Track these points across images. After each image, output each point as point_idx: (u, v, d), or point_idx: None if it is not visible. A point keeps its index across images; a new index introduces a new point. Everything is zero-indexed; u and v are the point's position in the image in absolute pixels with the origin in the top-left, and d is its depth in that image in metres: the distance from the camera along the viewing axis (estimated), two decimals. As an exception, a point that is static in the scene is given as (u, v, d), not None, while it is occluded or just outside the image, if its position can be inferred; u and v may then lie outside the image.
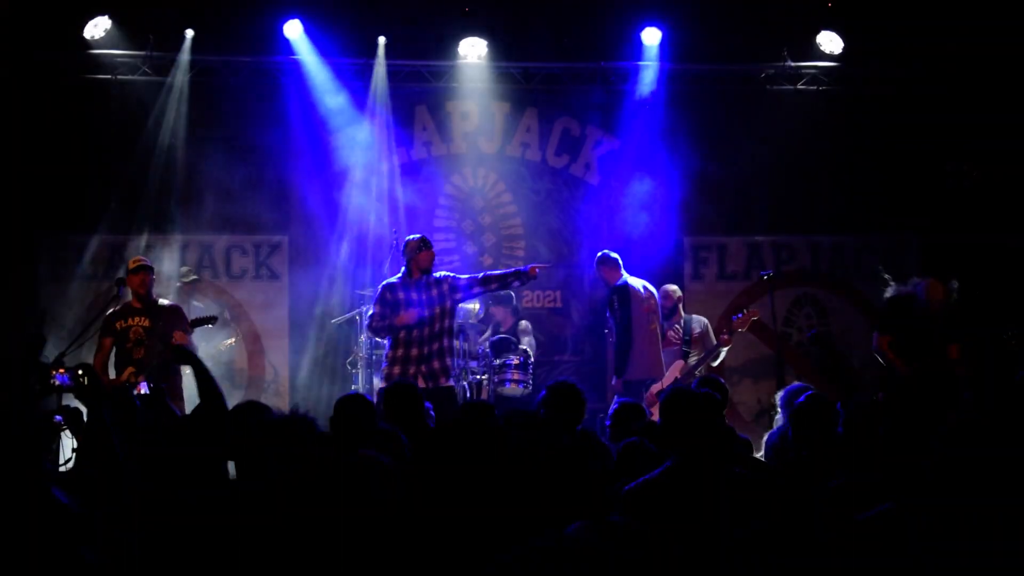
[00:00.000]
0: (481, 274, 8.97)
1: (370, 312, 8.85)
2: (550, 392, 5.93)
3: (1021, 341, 8.79)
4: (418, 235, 8.91)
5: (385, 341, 8.86)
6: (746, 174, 12.13)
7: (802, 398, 5.39)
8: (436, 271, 8.83)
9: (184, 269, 11.05)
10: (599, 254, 10.06)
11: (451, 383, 8.64)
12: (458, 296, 8.78)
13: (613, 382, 10.11)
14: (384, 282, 8.86)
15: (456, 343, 9.26)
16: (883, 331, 8.72)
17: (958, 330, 8.89)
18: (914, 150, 11.69)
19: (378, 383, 8.98)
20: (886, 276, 9.03)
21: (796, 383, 6.47)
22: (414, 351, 8.56)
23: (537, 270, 8.86)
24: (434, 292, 8.65)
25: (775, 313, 9.86)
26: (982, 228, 11.17)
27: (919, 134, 11.66)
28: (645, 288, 9.84)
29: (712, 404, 4.28)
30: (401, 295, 8.63)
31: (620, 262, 9.91)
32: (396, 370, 8.53)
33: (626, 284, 9.72)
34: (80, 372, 6.70)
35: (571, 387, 5.98)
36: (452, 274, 8.90)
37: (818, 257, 11.83)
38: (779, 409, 6.25)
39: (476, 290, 8.88)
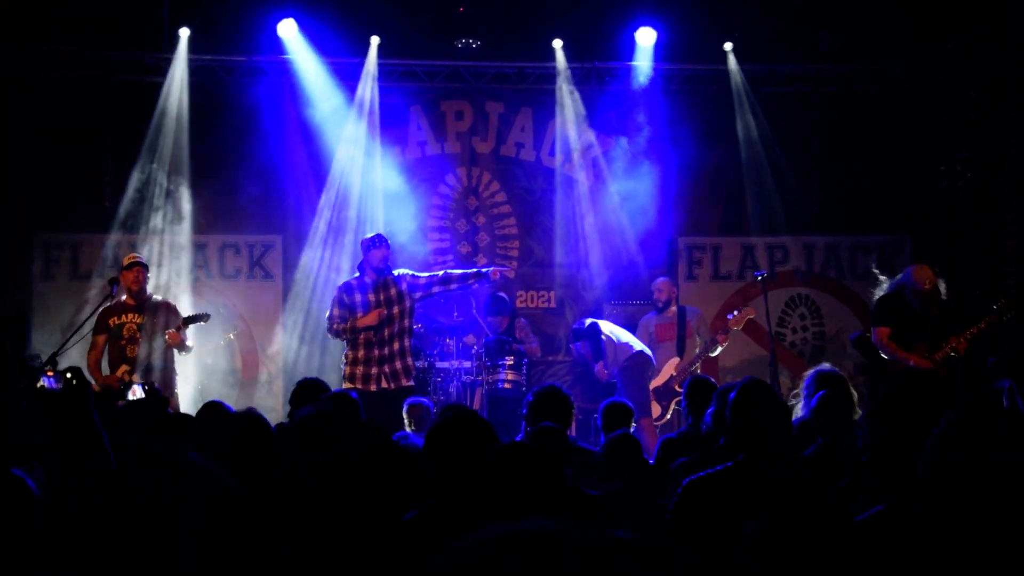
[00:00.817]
0: (442, 272, 8.82)
1: (327, 314, 8.70)
2: (536, 398, 5.95)
3: (1011, 312, 8.74)
4: (373, 233, 8.83)
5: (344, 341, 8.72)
6: (740, 174, 12.16)
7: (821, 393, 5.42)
8: (393, 268, 8.70)
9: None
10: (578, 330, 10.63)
11: (411, 383, 8.54)
12: (417, 295, 8.64)
13: (595, 368, 10.26)
14: (340, 283, 8.80)
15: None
16: (880, 323, 8.68)
17: (953, 317, 8.87)
18: (907, 150, 11.73)
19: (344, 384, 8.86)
20: (882, 278, 9.01)
21: (825, 366, 6.40)
22: (375, 352, 8.44)
23: (499, 274, 8.75)
24: (392, 292, 8.54)
25: (769, 313, 9.86)
26: (975, 228, 11.21)
27: (912, 134, 11.71)
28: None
29: (783, 405, 4.19)
30: (357, 296, 8.52)
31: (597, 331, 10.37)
32: (359, 370, 8.43)
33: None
34: (69, 375, 6.68)
35: (555, 391, 6.00)
36: (411, 272, 8.78)
37: (812, 258, 11.84)
38: (803, 393, 6.21)
39: (436, 289, 8.73)
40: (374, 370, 8.43)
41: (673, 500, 3.94)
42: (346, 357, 8.59)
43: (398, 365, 8.45)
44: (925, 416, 2.77)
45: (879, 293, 8.99)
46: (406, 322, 8.56)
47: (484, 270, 8.76)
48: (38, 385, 6.67)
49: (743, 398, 4.01)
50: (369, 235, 8.78)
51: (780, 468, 3.98)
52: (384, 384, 8.34)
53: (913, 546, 2.54)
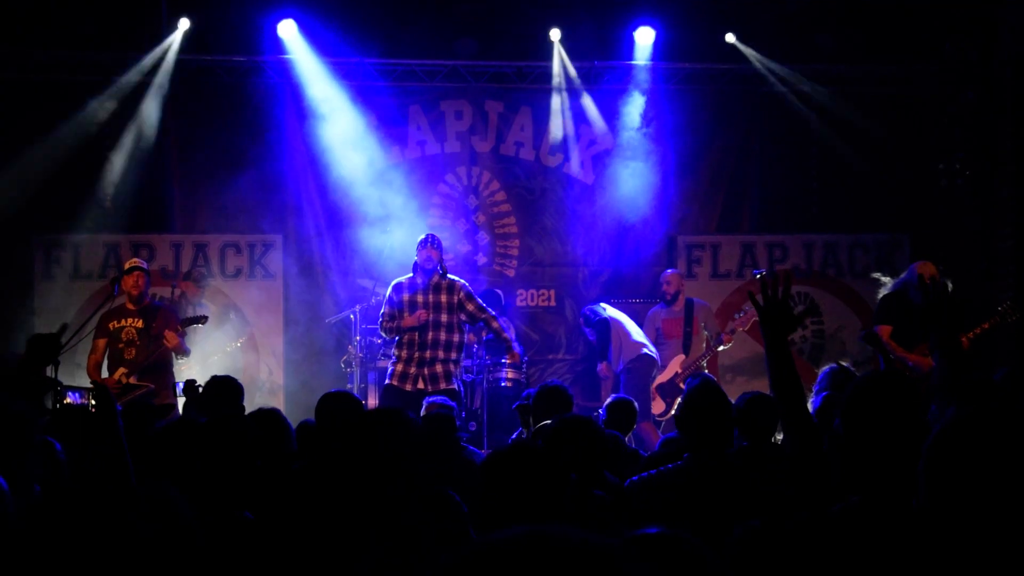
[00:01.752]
0: (488, 318, 8.73)
1: (381, 311, 8.80)
2: (539, 396, 6.03)
3: (1016, 315, 8.76)
4: (426, 233, 8.88)
5: (393, 339, 8.87)
6: (739, 172, 12.22)
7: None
8: (450, 276, 8.73)
9: (200, 270, 10.99)
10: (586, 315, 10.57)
11: (452, 386, 8.52)
12: (463, 316, 8.65)
13: (598, 367, 10.31)
14: (393, 281, 8.85)
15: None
16: (882, 321, 8.70)
17: (957, 316, 8.88)
18: (905, 150, 11.77)
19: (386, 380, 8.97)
20: (884, 279, 9.02)
21: (834, 365, 6.38)
22: (417, 353, 8.53)
23: (517, 358, 9.15)
24: (443, 298, 8.59)
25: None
26: (973, 227, 11.26)
27: (910, 134, 11.75)
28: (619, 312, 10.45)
29: (729, 406, 4.24)
30: (406, 296, 8.61)
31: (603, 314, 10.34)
32: (399, 368, 8.55)
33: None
34: (93, 392, 6.73)
35: (558, 388, 6.09)
36: (469, 291, 8.75)
37: (811, 256, 11.88)
38: (814, 389, 6.21)
39: (478, 324, 8.89)
40: (413, 370, 8.51)
41: (620, 499, 4.02)
42: (394, 354, 8.72)
43: (439, 369, 8.50)
44: (884, 417, 2.79)
45: (883, 292, 9.02)
46: (455, 332, 8.59)
47: (515, 347, 9.00)
48: (65, 401, 6.70)
49: (691, 399, 4.09)
50: (422, 236, 8.82)
51: (727, 468, 4.05)
52: (421, 385, 8.40)
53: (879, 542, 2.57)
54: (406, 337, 8.56)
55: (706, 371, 9.97)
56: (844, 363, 6.46)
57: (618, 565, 1.23)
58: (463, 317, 8.64)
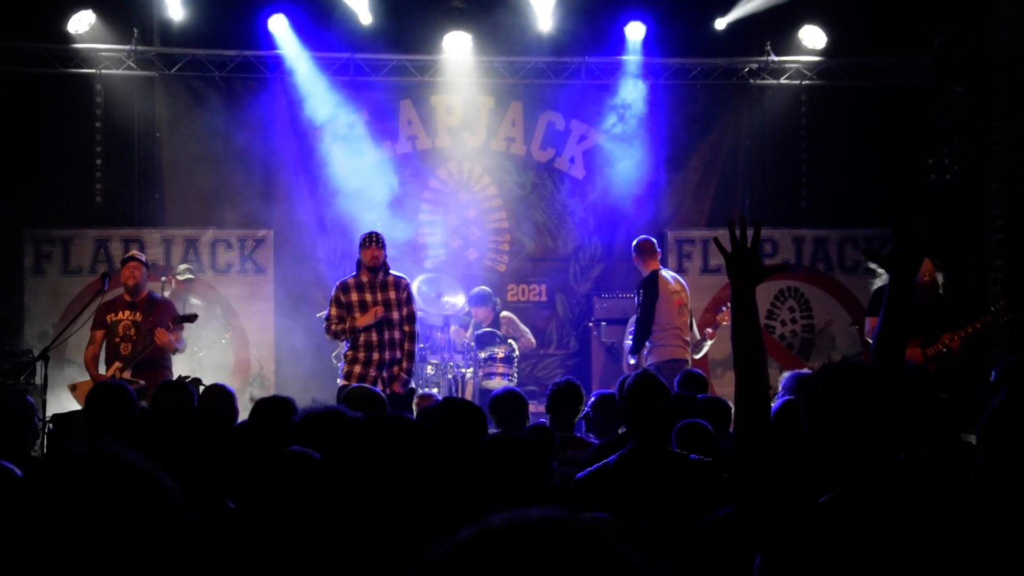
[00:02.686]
0: (407, 331, 8.48)
1: (324, 314, 8.64)
2: (555, 393, 6.14)
3: (1009, 315, 8.80)
4: (367, 232, 8.65)
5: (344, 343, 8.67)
6: (729, 167, 12.25)
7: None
8: (394, 272, 8.59)
9: (182, 267, 10.98)
10: (637, 240, 9.80)
11: (409, 389, 8.47)
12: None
13: (632, 360, 10.07)
14: (338, 281, 8.65)
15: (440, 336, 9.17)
16: (874, 313, 8.71)
17: (949, 312, 8.93)
18: (895, 144, 11.80)
19: (339, 380, 8.84)
20: (879, 270, 9.03)
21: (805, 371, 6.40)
22: (375, 355, 8.37)
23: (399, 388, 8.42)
24: (391, 295, 8.43)
25: (758, 306, 9.90)
26: (963, 222, 11.28)
27: (900, 128, 11.78)
28: (675, 280, 9.66)
29: (665, 392, 4.27)
30: (354, 295, 8.42)
31: (655, 248, 9.68)
32: (356, 369, 8.36)
33: (656, 275, 9.45)
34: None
35: (572, 385, 6.20)
36: (411, 294, 8.63)
37: (801, 250, 11.90)
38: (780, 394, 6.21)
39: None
40: (372, 372, 8.36)
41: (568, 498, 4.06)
42: (345, 356, 8.54)
43: (396, 370, 8.39)
44: (849, 408, 2.76)
45: (877, 283, 9.04)
46: (407, 327, 8.46)
47: (400, 363, 8.43)
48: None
49: (632, 391, 4.14)
50: (364, 234, 8.64)
51: (667, 459, 4.11)
52: (380, 387, 8.31)
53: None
54: (361, 338, 8.36)
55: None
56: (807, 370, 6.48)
57: (615, 546, 1.23)
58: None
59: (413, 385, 8.72)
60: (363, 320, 8.33)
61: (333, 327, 8.48)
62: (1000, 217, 10.89)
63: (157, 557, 1.51)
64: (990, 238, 11.03)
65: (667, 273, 9.64)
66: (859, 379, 2.71)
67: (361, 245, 8.49)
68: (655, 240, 9.88)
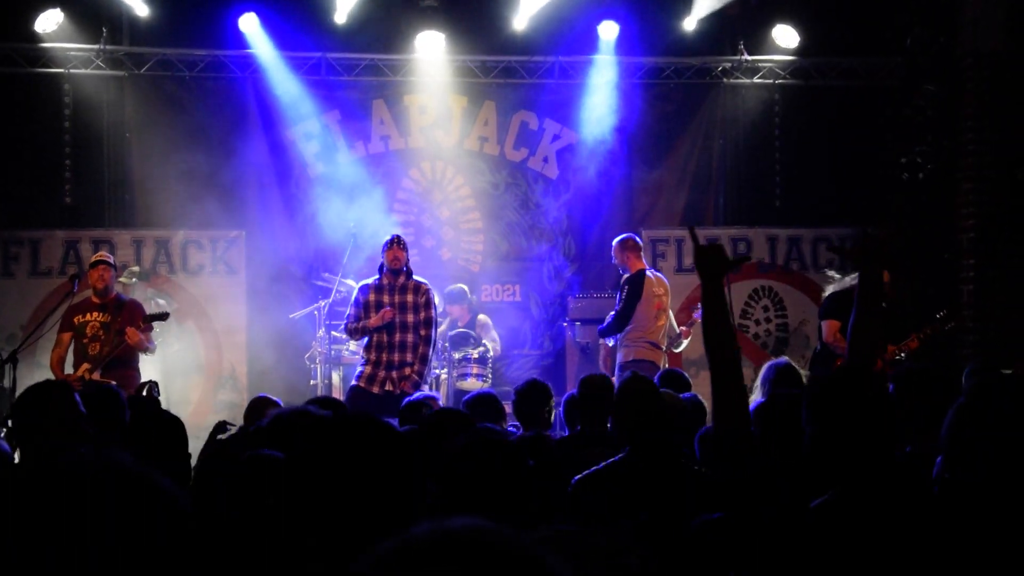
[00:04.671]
0: (424, 335, 8.53)
1: (347, 312, 8.73)
2: (521, 394, 6.06)
3: (952, 322, 8.90)
4: (391, 235, 8.78)
5: (359, 341, 8.80)
6: (703, 167, 12.27)
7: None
8: (416, 277, 8.65)
9: (133, 269, 10.79)
10: (622, 236, 9.67)
11: (422, 389, 8.43)
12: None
13: (602, 359, 10.04)
14: (359, 283, 8.78)
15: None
16: (831, 316, 8.75)
17: (904, 319, 9.01)
18: (867, 144, 11.86)
19: (336, 379, 8.91)
20: (836, 276, 9.07)
21: (781, 359, 6.34)
22: (384, 356, 8.47)
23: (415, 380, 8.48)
24: (409, 298, 8.52)
25: (732, 306, 9.91)
26: (935, 221, 11.35)
27: (872, 128, 11.84)
28: (659, 282, 9.56)
29: (657, 395, 4.25)
30: (372, 296, 8.54)
31: (639, 246, 9.61)
32: (367, 370, 8.49)
33: (642, 276, 9.36)
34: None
35: (539, 384, 6.13)
36: (430, 299, 8.64)
37: (774, 250, 11.92)
38: (760, 387, 6.19)
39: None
40: (381, 373, 8.44)
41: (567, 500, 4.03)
42: (362, 356, 8.67)
43: (407, 371, 8.43)
44: (855, 412, 2.78)
45: (832, 288, 9.08)
46: (423, 331, 8.52)
47: (415, 365, 8.46)
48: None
49: (624, 393, 4.11)
50: (388, 236, 8.74)
51: (664, 460, 4.09)
52: (389, 388, 8.36)
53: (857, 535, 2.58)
54: (374, 339, 8.49)
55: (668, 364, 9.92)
56: (784, 358, 6.44)
57: (539, 556, 1.22)
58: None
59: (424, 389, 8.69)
60: (372, 322, 8.44)
61: (350, 325, 8.62)
62: (972, 216, 10.97)
63: (153, 558, 1.51)
64: (962, 237, 11.10)
65: (652, 274, 9.60)
66: (864, 380, 2.76)
67: (384, 247, 8.61)
68: (639, 238, 9.83)
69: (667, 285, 9.72)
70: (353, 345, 9.85)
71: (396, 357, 8.46)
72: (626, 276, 9.50)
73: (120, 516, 1.50)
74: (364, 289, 8.62)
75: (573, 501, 4.01)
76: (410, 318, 8.52)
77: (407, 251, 8.67)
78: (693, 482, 3.99)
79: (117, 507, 1.50)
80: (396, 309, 8.49)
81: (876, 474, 2.64)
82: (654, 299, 9.38)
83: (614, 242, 9.65)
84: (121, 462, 1.55)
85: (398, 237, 8.71)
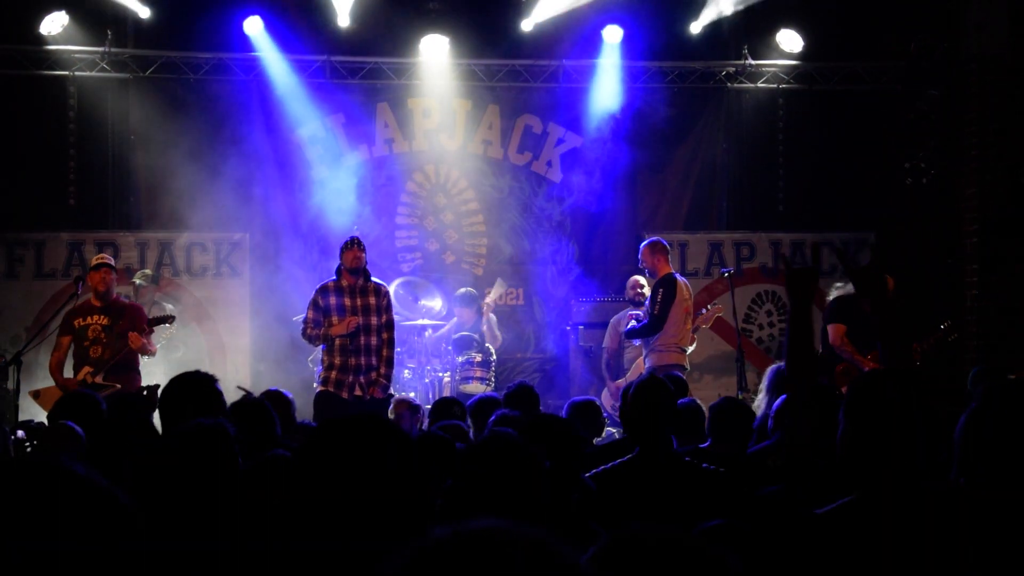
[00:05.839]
0: (387, 338, 8.47)
1: (302, 317, 8.59)
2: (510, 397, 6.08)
3: (955, 333, 8.92)
4: (350, 236, 8.67)
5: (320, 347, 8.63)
6: (706, 171, 12.27)
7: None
8: (375, 279, 8.56)
9: (139, 273, 10.80)
10: (651, 239, 9.64)
11: (389, 395, 8.41)
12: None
13: (610, 387, 10.08)
14: (318, 284, 8.61)
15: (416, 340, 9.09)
16: (836, 320, 8.75)
17: (907, 326, 9.01)
18: (871, 148, 11.87)
19: (316, 386, 8.79)
20: (838, 284, 9.08)
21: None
22: (351, 360, 8.32)
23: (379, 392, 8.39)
24: (371, 300, 8.39)
25: (736, 310, 9.93)
26: (938, 225, 11.36)
27: (876, 132, 11.85)
28: (687, 287, 9.54)
29: (674, 395, 4.29)
30: (332, 299, 8.38)
31: (667, 250, 9.55)
32: (333, 375, 8.33)
33: (673, 279, 9.34)
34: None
35: (526, 388, 6.13)
36: (391, 301, 8.64)
37: (778, 254, 11.92)
38: (764, 391, 6.18)
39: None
40: (350, 378, 8.30)
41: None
42: (322, 360, 8.50)
43: (374, 375, 8.33)
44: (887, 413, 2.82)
45: (835, 293, 9.09)
46: (385, 334, 8.42)
47: (378, 371, 8.38)
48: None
49: (639, 395, 4.14)
50: (347, 238, 8.62)
51: (674, 461, 4.13)
52: (358, 392, 8.27)
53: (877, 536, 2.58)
54: (337, 342, 8.31)
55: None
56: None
57: (563, 556, 1.23)
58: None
59: (392, 391, 8.67)
60: (336, 330, 8.28)
61: (309, 331, 8.45)
62: (975, 221, 10.97)
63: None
64: (965, 241, 11.10)
65: (681, 279, 9.60)
66: (901, 383, 2.80)
67: (343, 248, 8.47)
68: (667, 242, 9.79)
69: (691, 290, 9.71)
70: (317, 352, 9.71)
71: (363, 361, 8.32)
72: (657, 280, 9.44)
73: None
74: (323, 291, 8.43)
75: (583, 499, 4.02)
76: (373, 320, 8.37)
77: (366, 252, 8.52)
78: (703, 481, 4.01)
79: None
80: (359, 311, 8.33)
81: (903, 476, 2.66)
82: (683, 303, 9.37)
83: (643, 245, 9.59)
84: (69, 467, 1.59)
85: (357, 238, 8.57)
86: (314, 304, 8.44)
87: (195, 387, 4.34)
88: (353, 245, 8.42)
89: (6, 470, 1.56)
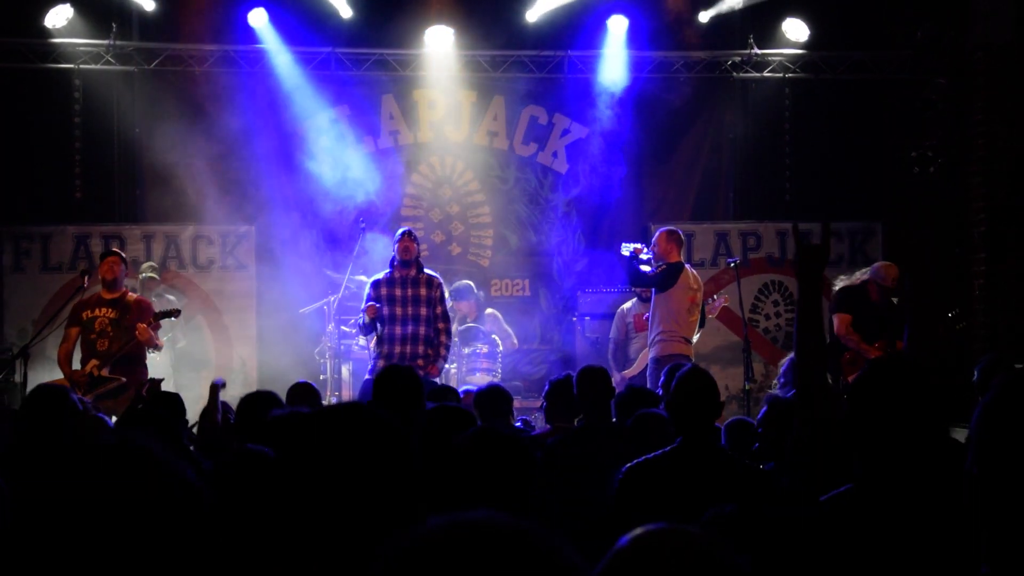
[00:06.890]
0: (440, 328, 8.58)
1: (361, 308, 8.69)
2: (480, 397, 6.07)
3: (964, 322, 8.91)
4: (403, 227, 8.81)
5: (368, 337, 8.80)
6: (712, 161, 12.25)
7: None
8: (428, 271, 8.65)
9: (145, 265, 10.83)
10: (670, 228, 9.56)
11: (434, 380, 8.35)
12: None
13: (618, 374, 10.04)
14: (371, 278, 8.74)
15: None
16: (842, 310, 8.74)
17: (909, 314, 8.99)
18: (878, 137, 11.83)
19: (346, 373, 8.91)
20: (842, 277, 9.06)
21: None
22: (398, 348, 8.44)
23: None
24: (422, 291, 8.50)
25: (742, 300, 9.91)
26: (945, 215, 11.32)
27: (883, 121, 11.81)
28: (695, 279, 9.47)
29: (714, 388, 4.24)
30: (384, 291, 8.51)
31: (682, 240, 9.55)
32: (380, 364, 8.38)
33: (681, 268, 9.28)
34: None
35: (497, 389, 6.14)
36: (443, 293, 8.70)
37: (784, 244, 11.90)
38: (780, 379, 6.16)
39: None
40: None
41: (615, 487, 4.01)
42: (374, 350, 8.66)
43: (420, 364, 8.36)
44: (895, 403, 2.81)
45: (841, 283, 9.07)
46: (441, 324, 8.53)
47: (434, 360, 8.55)
48: None
49: (682, 385, 4.11)
50: (400, 229, 8.75)
51: (717, 451, 4.12)
52: None
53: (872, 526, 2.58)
54: (385, 332, 8.47)
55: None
56: None
57: (556, 548, 1.23)
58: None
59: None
60: (370, 312, 8.36)
61: (360, 321, 8.64)
62: (982, 210, 10.93)
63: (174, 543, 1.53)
64: (973, 231, 11.06)
65: (691, 269, 9.55)
66: (912, 370, 2.78)
67: (396, 240, 8.59)
68: (682, 233, 9.75)
69: (701, 282, 9.67)
70: (363, 340, 9.81)
71: (408, 350, 8.43)
72: (667, 263, 9.38)
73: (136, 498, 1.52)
74: (375, 284, 8.59)
75: (622, 490, 4.00)
76: (423, 311, 8.49)
77: (419, 244, 8.69)
78: (745, 477, 3.99)
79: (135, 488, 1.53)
80: (409, 302, 8.46)
81: (910, 463, 2.65)
82: (688, 292, 9.31)
83: (659, 231, 9.52)
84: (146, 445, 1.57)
85: (411, 230, 8.75)
86: (368, 297, 8.55)
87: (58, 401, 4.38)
88: (405, 236, 8.56)
89: (107, 454, 1.57)
